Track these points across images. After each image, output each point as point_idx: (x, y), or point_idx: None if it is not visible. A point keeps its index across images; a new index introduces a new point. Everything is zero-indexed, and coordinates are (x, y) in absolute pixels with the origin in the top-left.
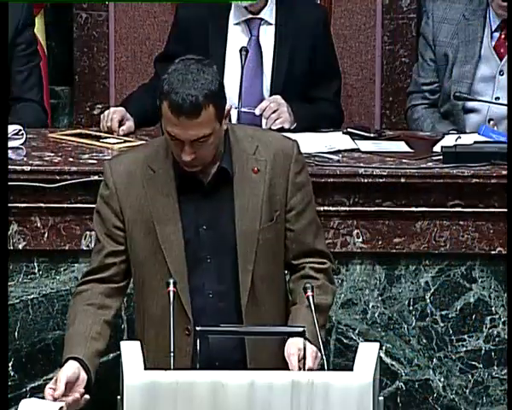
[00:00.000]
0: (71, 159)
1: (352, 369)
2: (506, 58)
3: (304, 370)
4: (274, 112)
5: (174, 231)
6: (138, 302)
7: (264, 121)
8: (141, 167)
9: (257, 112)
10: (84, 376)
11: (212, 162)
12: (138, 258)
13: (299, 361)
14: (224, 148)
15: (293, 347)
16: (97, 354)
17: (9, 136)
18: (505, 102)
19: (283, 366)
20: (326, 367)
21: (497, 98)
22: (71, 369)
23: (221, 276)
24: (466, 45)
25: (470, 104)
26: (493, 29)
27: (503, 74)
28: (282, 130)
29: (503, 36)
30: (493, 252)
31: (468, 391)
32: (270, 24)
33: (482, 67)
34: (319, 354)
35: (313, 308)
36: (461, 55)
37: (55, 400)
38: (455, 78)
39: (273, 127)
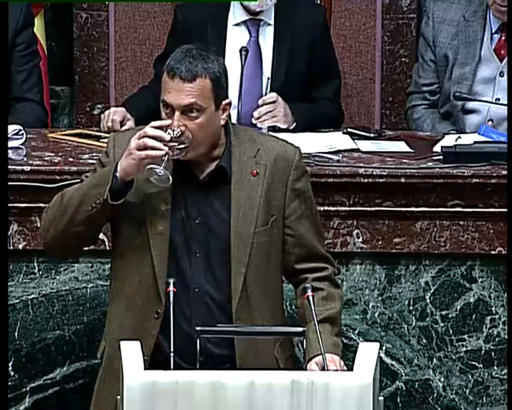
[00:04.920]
0: (71, 159)
1: (352, 369)
2: (506, 59)
3: None
4: (269, 111)
5: (163, 216)
6: (115, 274)
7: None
8: None
9: (255, 114)
10: None
11: (210, 158)
12: (122, 227)
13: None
14: (226, 147)
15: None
16: None
17: (9, 136)
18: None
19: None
20: (326, 367)
21: (498, 100)
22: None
23: (210, 273)
24: (466, 46)
25: (470, 105)
26: (493, 31)
27: (503, 76)
28: (280, 130)
29: (503, 38)
30: (493, 252)
31: (468, 391)
32: (270, 24)
33: (482, 69)
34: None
35: (313, 308)
36: (461, 56)
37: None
38: (455, 79)
39: (266, 124)
